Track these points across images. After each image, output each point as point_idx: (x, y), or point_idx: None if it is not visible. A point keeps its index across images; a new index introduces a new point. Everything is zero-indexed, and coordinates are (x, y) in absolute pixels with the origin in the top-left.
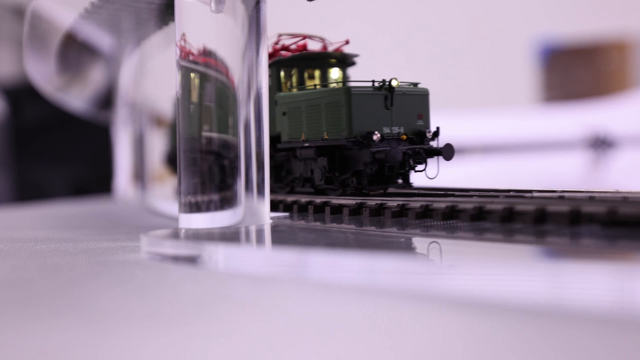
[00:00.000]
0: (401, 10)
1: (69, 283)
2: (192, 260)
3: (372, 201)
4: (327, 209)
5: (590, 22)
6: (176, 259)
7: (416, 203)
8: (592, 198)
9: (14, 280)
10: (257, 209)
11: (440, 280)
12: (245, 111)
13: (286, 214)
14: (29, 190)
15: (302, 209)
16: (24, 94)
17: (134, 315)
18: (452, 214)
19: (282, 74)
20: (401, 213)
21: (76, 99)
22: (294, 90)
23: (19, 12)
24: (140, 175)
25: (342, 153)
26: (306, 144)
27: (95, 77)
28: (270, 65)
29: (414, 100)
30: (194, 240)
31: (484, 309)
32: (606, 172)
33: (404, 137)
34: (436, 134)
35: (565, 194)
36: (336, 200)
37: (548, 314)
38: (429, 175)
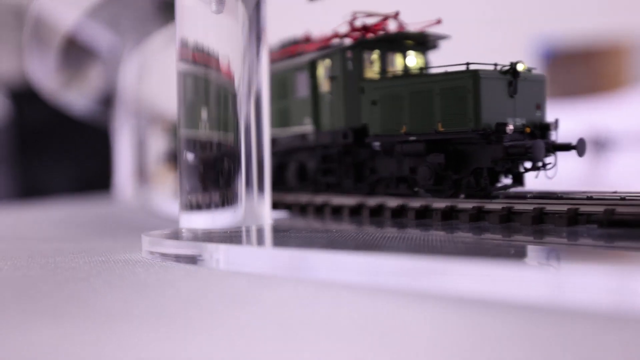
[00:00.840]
0: (401, 10)
1: (70, 282)
2: (193, 259)
3: (373, 201)
4: (327, 209)
5: (590, 22)
6: (177, 258)
7: (416, 203)
8: (590, 198)
9: (16, 280)
10: (257, 208)
11: (440, 281)
12: (245, 111)
13: (286, 213)
14: (31, 189)
15: (302, 209)
16: (27, 94)
17: (136, 314)
18: (451, 213)
19: (364, 57)
20: (401, 213)
21: (77, 98)
22: (376, 75)
23: (20, 13)
24: (141, 174)
25: (457, 148)
26: (411, 138)
27: (96, 76)
28: (351, 48)
29: (533, 88)
30: (195, 240)
31: (484, 309)
32: (606, 171)
33: (528, 129)
34: (556, 126)
35: (564, 194)
36: (336, 200)
37: (546, 313)
38: (549, 175)
